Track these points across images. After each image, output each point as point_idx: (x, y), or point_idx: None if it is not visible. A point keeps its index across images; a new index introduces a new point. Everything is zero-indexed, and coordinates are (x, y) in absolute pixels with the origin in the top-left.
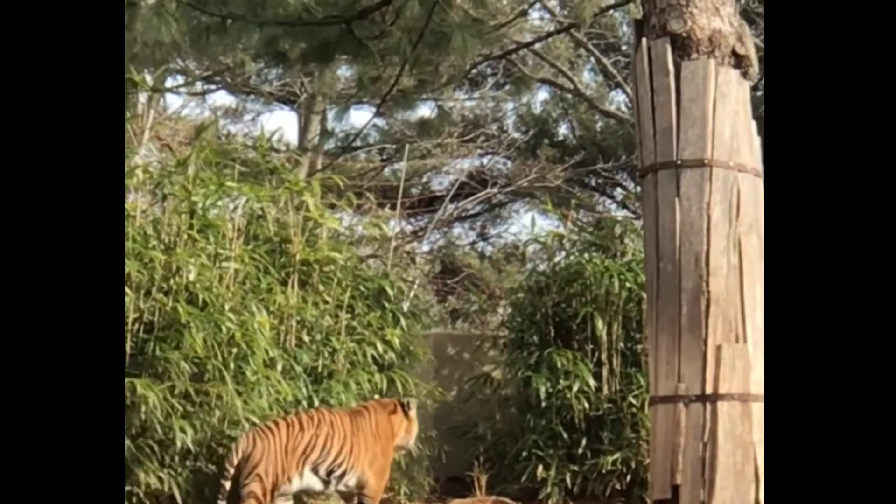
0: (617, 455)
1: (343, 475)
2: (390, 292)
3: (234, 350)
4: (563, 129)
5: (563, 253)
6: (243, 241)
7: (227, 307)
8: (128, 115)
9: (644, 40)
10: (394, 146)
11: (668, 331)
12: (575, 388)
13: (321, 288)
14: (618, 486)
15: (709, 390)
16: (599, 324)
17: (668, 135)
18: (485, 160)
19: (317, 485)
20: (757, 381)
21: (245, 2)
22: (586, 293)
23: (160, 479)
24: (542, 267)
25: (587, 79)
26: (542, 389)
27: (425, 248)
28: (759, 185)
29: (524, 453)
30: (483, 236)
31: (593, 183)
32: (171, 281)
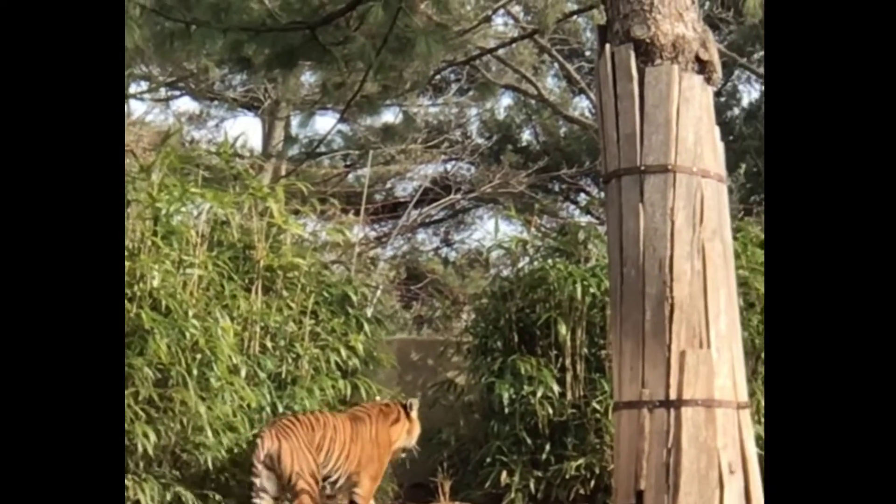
0: (581, 461)
1: (336, 482)
2: (354, 298)
3: (198, 356)
4: (526, 135)
5: (527, 258)
6: (207, 247)
7: (190, 313)
8: None
9: (607, 46)
10: (358, 152)
11: (631, 336)
12: (539, 394)
13: (285, 294)
14: (582, 492)
15: (673, 396)
16: (563, 329)
17: (632, 140)
18: (448, 166)
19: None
20: (721, 387)
21: (209, 8)
22: (550, 299)
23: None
24: (505, 272)
25: (551, 84)
26: (506, 395)
27: (389, 253)
28: (723, 190)
29: (488, 459)
30: (447, 242)
31: (557, 188)
32: (135, 287)
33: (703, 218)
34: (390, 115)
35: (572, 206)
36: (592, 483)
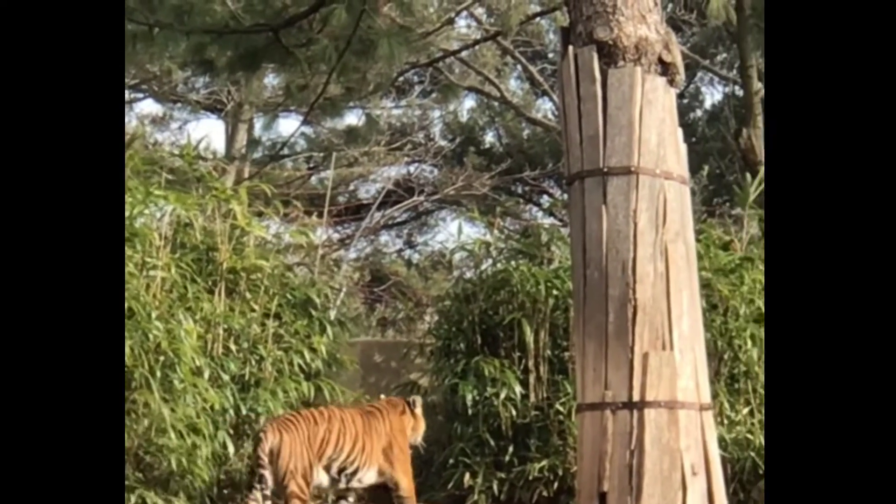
0: (544, 462)
1: (356, 472)
2: (317, 300)
3: (161, 358)
4: (489, 137)
5: (490, 260)
6: (170, 249)
7: (153, 315)
8: None
9: (570, 48)
10: (321, 154)
11: (594, 338)
12: (502, 396)
13: (248, 296)
14: (545, 494)
15: (635, 397)
16: (527, 331)
17: (595, 142)
18: (412, 168)
19: (324, 481)
20: (683, 389)
21: (172, 10)
22: (513, 301)
23: None
24: (468, 274)
25: (514, 86)
26: (469, 397)
27: (352, 255)
28: (686, 192)
29: (451, 461)
30: (410, 244)
31: (520, 190)
32: None
33: (666, 220)
34: (353, 118)
35: (535, 208)
36: (555, 485)
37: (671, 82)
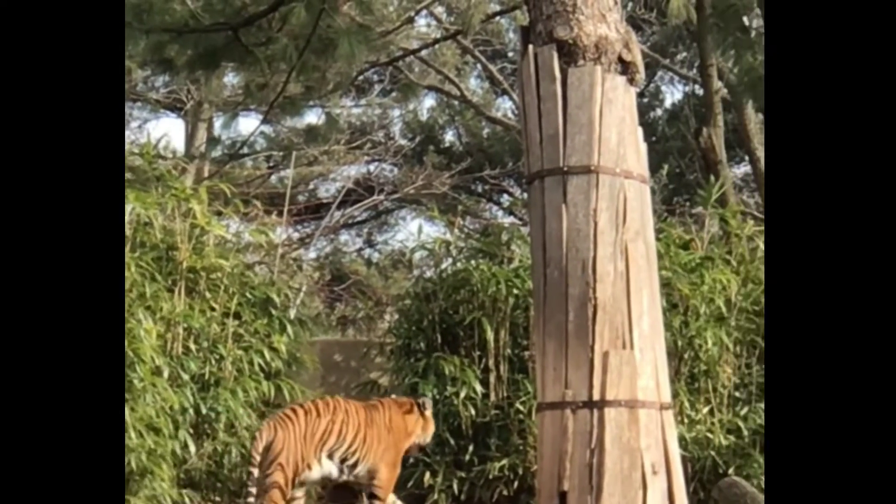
0: (504, 461)
1: (355, 465)
2: (277, 300)
3: None
4: (449, 136)
5: (450, 259)
6: (130, 248)
7: None
8: None
9: (530, 47)
10: (281, 153)
11: (555, 337)
12: (462, 395)
13: (208, 295)
14: (505, 493)
15: (596, 397)
16: (487, 330)
17: (555, 141)
18: (371, 167)
19: (335, 471)
20: (644, 388)
21: (131, 9)
22: (473, 300)
23: None
24: (428, 273)
25: (474, 85)
26: (429, 396)
27: (312, 255)
28: (646, 191)
29: (411, 459)
30: (370, 243)
31: (480, 189)
32: None
33: (626, 219)
34: (313, 117)
35: (495, 207)
36: (516, 484)
37: (631, 81)
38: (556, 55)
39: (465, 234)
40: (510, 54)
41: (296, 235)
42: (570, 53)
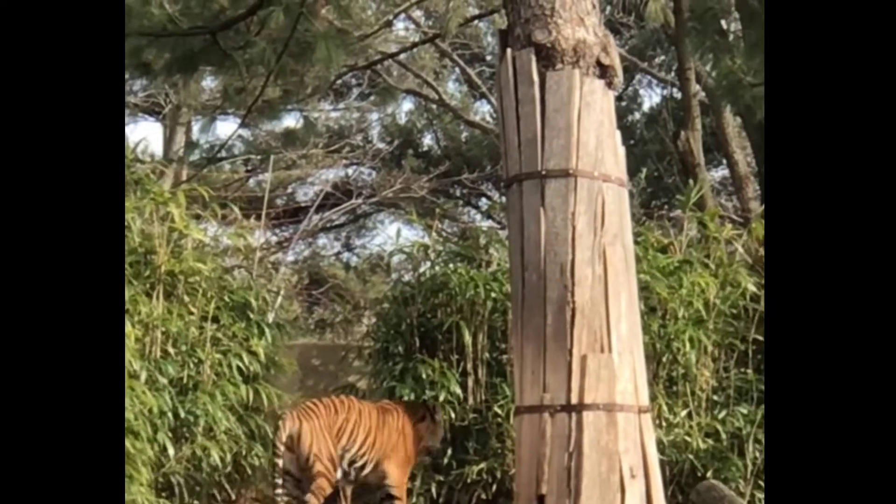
0: (482, 465)
1: (363, 468)
2: (255, 303)
3: None
4: (427, 140)
5: (429, 263)
6: None
7: None
8: None
9: (509, 50)
10: (259, 157)
11: (533, 341)
12: (440, 398)
13: (186, 299)
14: (483, 496)
15: (574, 400)
16: (465, 334)
17: (533, 145)
18: (350, 171)
19: (337, 473)
20: (622, 391)
21: None
22: (451, 303)
23: None
24: (407, 277)
25: (452, 89)
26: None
27: (290, 258)
28: (624, 194)
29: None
30: (348, 247)
31: (458, 193)
32: None
33: (605, 222)
34: (291, 120)
35: (474, 211)
36: (494, 487)
37: (609, 85)
38: (534, 59)
39: (444, 238)
40: (488, 58)
41: (274, 239)
42: (548, 57)
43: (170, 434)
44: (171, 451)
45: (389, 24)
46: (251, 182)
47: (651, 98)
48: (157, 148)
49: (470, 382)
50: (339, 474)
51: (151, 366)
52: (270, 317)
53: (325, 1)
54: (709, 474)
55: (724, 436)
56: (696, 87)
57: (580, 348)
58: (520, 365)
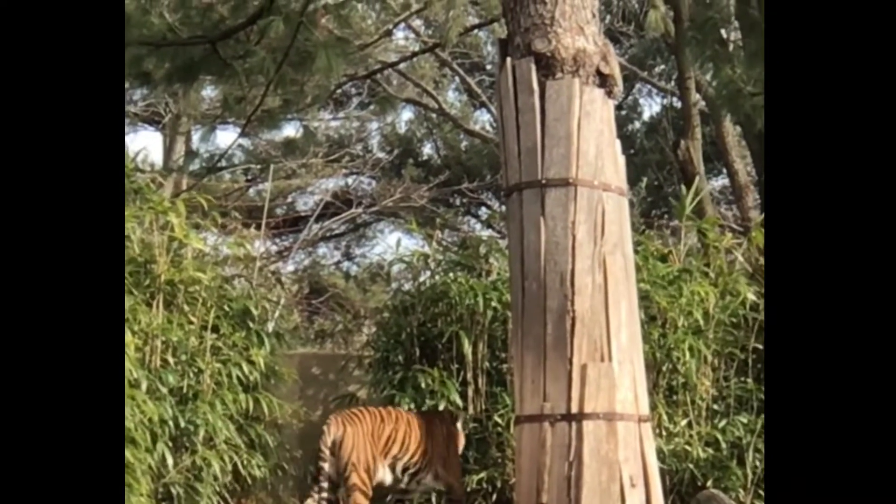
0: (482, 474)
1: (416, 473)
2: (255, 313)
3: None
4: (427, 149)
5: (429, 272)
6: None
7: None
8: None
9: (508, 59)
10: (259, 166)
11: (533, 350)
12: (440, 408)
13: (186, 308)
14: None
15: (574, 409)
16: (465, 343)
17: (533, 154)
18: (350, 180)
19: (389, 479)
20: (622, 400)
21: None
22: (451, 312)
23: None
24: (407, 286)
25: (452, 98)
26: (407, 409)
27: (290, 268)
28: (624, 203)
29: None
30: (348, 256)
31: (458, 202)
32: None
33: (605, 231)
34: (291, 130)
35: (473, 220)
36: (494, 497)
37: (609, 94)
38: (534, 68)
39: (444, 247)
40: (488, 67)
41: (274, 248)
42: (548, 66)
43: (169, 443)
44: (169, 460)
45: (389, 33)
46: (251, 191)
47: (651, 107)
48: (156, 157)
49: (470, 392)
50: (387, 479)
51: (151, 375)
52: (270, 326)
53: (324, 10)
54: (709, 483)
55: (724, 445)
56: (696, 97)
57: (580, 357)
58: (520, 374)
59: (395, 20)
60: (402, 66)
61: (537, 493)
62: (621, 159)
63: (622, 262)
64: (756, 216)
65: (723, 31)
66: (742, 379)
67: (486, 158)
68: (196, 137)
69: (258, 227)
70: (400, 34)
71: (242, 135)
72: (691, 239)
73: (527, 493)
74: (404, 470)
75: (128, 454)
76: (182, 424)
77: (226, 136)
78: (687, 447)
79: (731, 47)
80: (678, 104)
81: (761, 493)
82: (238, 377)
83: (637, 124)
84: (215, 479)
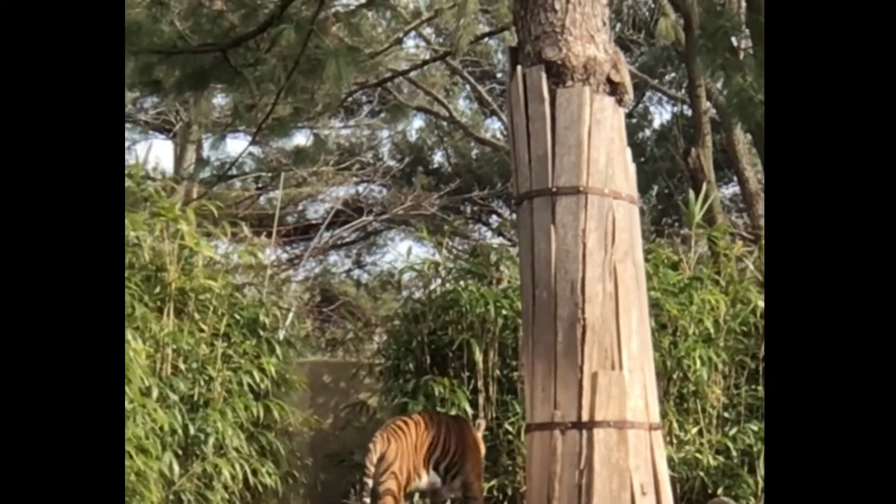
0: (493, 482)
1: (456, 475)
2: (266, 321)
3: None
4: (438, 157)
5: (439, 280)
6: None
7: None
8: None
9: (519, 68)
10: (269, 174)
11: (544, 358)
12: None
13: (197, 316)
14: None
15: (585, 417)
16: (476, 351)
17: (544, 162)
18: (360, 188)
19: (439, 481)
20: (633, 408)
21: None
22: (462, 320)
23: None
24: (417, 294)
25: (462, 106)
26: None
27: (301, 276)
28: (635, 212)
29: None
30: (359, 264)
31: (469, 210)
32: None
33: (615, 239)
34: (302, 138)
35: (484, 228)
36: None
37: (620, 102)
38: (544, 76)
39: (454, 255)
40: (499, 75)
41: (284, 256)
42: (558, 74)
43: (180, 451)
44: (176, 468)
45: (400, 41)
46: (262, 199)
47: (661, 115)
48: (167, 165)
49: (480, 400)
50: (424, 483)
51: (162, 383)
52: (281, 334)
53: (335, 18)
54: (719, 491)
55: (734, 453)
56: (706, 105)
57: (591, 365)
58: (530, 382)
59: (406, 28)
60: (412, 74)
61: (548, 501)
62: (632, 167)
63: (633, 271)
64: None
65: (733, 39)
66: (752, 387)
67: (497, 166)
68: (207, 145)
69: (269, 236)
70: (410, 42)
71: (253, 143)
72: (702, 247)
73: (537, 501)
74: (447, 470)
75: (139, 462)
76: (193, 432)
77: (236, 145)
78: (697, 455)
79: (741, 55)
80: (689, 112)
81: None
82: (249, 385)
83: (647, 132)
84: (226, 487)
